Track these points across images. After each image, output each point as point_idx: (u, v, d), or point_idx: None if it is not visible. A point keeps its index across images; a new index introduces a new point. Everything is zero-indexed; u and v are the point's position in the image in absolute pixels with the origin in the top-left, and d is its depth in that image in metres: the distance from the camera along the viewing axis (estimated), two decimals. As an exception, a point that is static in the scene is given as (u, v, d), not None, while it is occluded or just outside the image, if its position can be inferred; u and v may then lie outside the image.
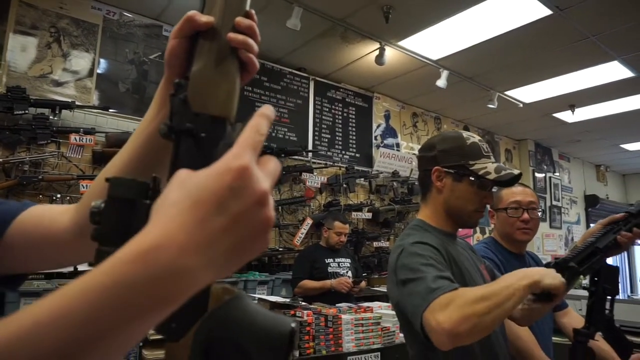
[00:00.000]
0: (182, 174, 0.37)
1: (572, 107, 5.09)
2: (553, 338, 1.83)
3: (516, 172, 1.23)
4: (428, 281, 1.02)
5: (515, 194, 1.81)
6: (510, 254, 1.83)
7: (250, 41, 0.50)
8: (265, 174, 0.37)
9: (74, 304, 0.30)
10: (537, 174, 6.66)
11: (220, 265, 0.35)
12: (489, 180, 1.21)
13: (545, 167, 6.95)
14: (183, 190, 0.35)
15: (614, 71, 4.13)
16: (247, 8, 0.52)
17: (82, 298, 0.30)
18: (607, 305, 1.29)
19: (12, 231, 0.62)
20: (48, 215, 0.65)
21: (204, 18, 0.49)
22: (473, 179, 1.23)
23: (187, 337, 0.45)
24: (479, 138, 1.30)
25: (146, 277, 0.31)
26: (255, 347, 0.46)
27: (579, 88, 4.57)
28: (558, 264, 1.23)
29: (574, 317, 1.77)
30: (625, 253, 8.78)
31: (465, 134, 1.29)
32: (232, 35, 0.49)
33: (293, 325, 0.46)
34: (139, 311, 0.32)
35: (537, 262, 1.95)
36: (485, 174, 1.21)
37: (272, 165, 0.39)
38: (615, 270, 1.30)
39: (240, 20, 0.50)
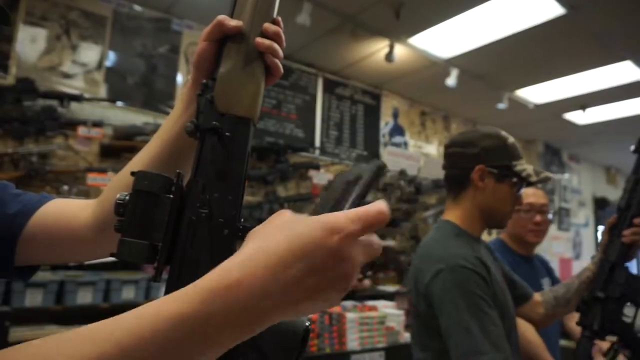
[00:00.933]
0: (287, 217, 0.39)
1: (583, 108, 5.03)
2: (560, 341, 1.81)
3: (550, 175, 1.20)
4: (476, 337, 0.98)
5: (528, 195, 1.78)
6: (519, 256, 1.80)
7: (276, 46, 0.53)
8: (364, 250, 0.37)
9: (154, 333, 0.31)
10: (545, 176, 6.59)
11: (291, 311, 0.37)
12: (530, 182, 1.18)
13: (554, 168, 6.88)
14: (284, 236, 0.36)
15: (627, 72, 4.07)
16: (275, 15, 0.56)
17: (161, 326, 0.31)
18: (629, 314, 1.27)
19: (32, 226, 0.63)
20: (69, 211, 0.66)
21: (234, 22, 0.51)
22: (515, 180, 1.18)
23: None
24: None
25: (225, 311, 0.33)
26: (268, 343, 0.46)
27: (590, 89, 4.50)
28: (585, 301, 1.22)
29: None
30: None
31: (502, 132, 1.24)
32: (259, 40, 0.52)
33: (307, 323, 0.47)
34: (210, 342, 0.33)
35: (545, 266, 1.91)
36: (527, 176, 1.17)
37: (375, 246, 0.39)
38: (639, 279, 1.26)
39: (268, 26, 0.53)
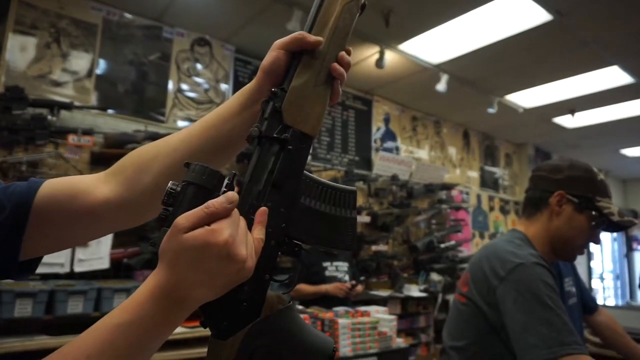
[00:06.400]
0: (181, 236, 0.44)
1: (571, 112, 5.09)
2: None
3: (636, 221, 1.21)
4: (559, 328, 1.01)
5: None
6: None
7: (346, 76, 0.57)
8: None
9: (115, 338, 0.42)
10: (536, 179, 6.65)
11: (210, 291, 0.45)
12: (611, 220, 1.19)
13: (544, 172, 6.93)
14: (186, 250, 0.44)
15: (614, 77, 4.13)
16: (346, 44, 0.58)
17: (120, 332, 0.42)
18: None
19: (41, 204, 0.59)
20: (81, 187, 0.62)
21: (314, 38, 0.54)
22: (595, 214, 1.20)
23: (236, 337, 0.47)
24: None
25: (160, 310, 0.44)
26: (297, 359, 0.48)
27: (578, 93, 4.57)
28: None
29: (608, 314, 1.63)
30: (625, 259, 8.77)
31: (594, 168, 1.27)
32: (336, 65, 0.55)
33: (334, 345, 0.50)
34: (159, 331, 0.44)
35: (568, 264, 1.65)
36: (609, 213, 1.19)
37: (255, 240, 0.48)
38: None
39: (344, 55, 0.57)
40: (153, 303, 0.43)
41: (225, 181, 0.47)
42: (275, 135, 0.50)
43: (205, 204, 0.43)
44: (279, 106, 0.51)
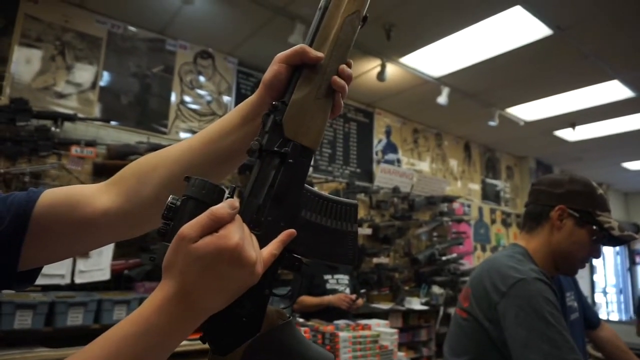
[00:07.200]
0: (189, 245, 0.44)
1: (572, 126, 5.11)
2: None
3: (637, 236, 1.22)
4: (560, 345, 1.02)
5: None
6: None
7: (347, 89, 0.56)
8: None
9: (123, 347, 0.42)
10: (538, 192, 6.63)
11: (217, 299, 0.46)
12: (612, 235, 1.20)
13: (546, 184, 6.92)
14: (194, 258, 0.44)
15: (614, 91, 4.15)
16: (347, 57, 0.58)
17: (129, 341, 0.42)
18: None
19: (41, 214, 0.58)
20: (81, 197, 0.62)
21: (315, 53, 0.54)
22: (596, 228, 1.21)
23: (235, 353, 0.47)
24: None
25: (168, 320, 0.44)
26: None
27: (579, 107, 4.58)
28: None
29: (611, 330, 1.62)
30: (628, 273, 8.70)
31: (593, 182, 1.28)
32: (336, 78, 0.55)
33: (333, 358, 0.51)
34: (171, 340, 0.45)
35: (569, 279, 1.64)
36: (609, 228, 1.20)
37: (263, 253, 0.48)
38: None
39: (344, 68, 0.56)
40: (160, 315, 0.42)
41: (226, 195, 0.47)
42: (275, 149, 0.50)
43: (209, 210, 0.43)
44: (280, 119, 0.51)
